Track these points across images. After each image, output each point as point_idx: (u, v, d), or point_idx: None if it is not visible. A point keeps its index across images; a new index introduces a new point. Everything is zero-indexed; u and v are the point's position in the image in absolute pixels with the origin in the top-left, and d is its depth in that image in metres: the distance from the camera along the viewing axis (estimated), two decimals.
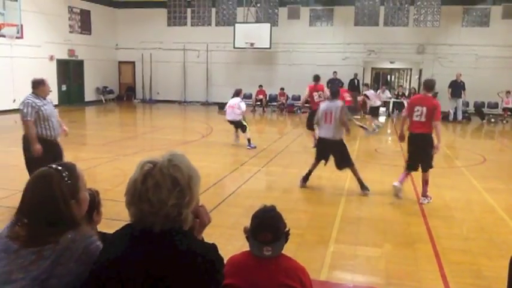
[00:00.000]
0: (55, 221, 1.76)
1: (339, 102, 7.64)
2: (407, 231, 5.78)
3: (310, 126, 10.66)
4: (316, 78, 11.23)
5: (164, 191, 1.49)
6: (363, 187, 7.47)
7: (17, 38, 15.89)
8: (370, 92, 16.20)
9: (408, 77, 23.78)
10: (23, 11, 15.81)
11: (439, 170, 9.59)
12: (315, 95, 10.84)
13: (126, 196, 1.54)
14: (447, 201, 7.21)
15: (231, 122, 11.74)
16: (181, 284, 1.44)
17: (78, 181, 1.92)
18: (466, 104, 19.60)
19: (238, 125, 11.63)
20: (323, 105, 7.72)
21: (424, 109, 6.79)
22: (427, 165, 6.95)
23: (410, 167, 7.19)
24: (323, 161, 7.82)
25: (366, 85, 17.96)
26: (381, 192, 7.65)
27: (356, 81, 21.04)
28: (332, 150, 7.58)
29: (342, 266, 4.80)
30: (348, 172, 8.82)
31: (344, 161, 7.56)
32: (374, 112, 15.47)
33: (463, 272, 4.62)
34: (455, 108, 18.84)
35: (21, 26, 15.59)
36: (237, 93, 11.95)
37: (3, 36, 15.23)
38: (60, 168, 1.89)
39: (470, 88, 18.91)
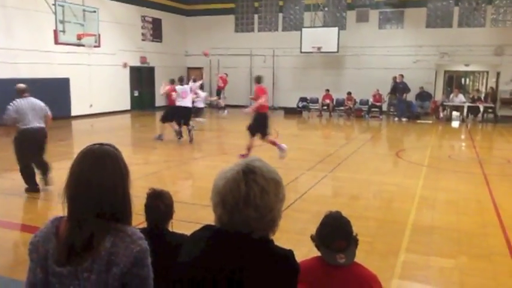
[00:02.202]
0: (112, 208, 1.59)
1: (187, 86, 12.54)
2: (484, 243, 5.45)
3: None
4: (181, 79, 12.78)
5: (271, 196, 1.49)
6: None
7: (94, 46, 16.80)
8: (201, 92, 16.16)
9: (484, 80, 22.57)
10: (101, 21, 16.69)
11: None
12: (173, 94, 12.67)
13: (223, 205, 1.49)
14: None
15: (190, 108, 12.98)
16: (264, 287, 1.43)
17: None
18: None
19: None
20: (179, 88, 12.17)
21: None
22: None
23: (254, 133, 9.78)
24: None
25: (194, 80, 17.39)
26: (455, 200, 7.30)
27: (393, 83, 20.15)
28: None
29: (413, 277, 4.60)
30: (419, 179, 8.52)
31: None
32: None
33: None
34: None
35: (99, 35, 16.46)
36: (181, 80, 12.92)
37: (83, 45, 16.14)
38: (112, 146, 1.69)
39: None
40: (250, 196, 1.45)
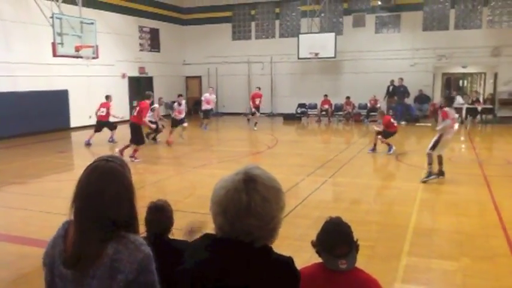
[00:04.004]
0: (117, 222, 1.62)
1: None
2: (486, 244, 5.45)
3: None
4: (107, 97, 14.87)
5: (273, 204, 1.48)
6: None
7: (93, 58, 16.82)
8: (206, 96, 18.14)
9: (482, 82, 22.63)
10: (98, 32, 16.74)
11: None
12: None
13: (224, 215, 1.48)
14: None
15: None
16: None
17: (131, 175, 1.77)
18: None
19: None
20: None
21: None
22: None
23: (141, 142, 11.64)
24: None
25: (212, 88, 19.71)
26: (456, 202, 7.30)
27: (391, 87, 20.27)
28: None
29: (415, 280, 4.60)
30: (420, 182, 8.52)
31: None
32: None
33: None
34: None
35: (97, 46, 16.50)
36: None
37: (81, 57, 16.17)
38: (117, 161, 1.74)
39: None
40: (251, 205, 1.44)
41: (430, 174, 8.55)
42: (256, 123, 18.04)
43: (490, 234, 5.78)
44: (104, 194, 1.63)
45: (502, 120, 19.20)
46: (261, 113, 19.19)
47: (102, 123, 14.46)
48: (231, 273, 1.44)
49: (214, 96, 18.73)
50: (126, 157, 11.19)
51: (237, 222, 1.46)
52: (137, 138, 11.47)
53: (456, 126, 8.64)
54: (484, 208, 6.93)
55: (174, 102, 14.90)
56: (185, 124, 14.86)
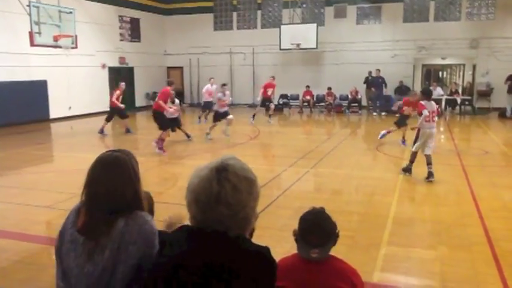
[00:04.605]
0: (122, 207, 1.78)
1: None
2: (463, 233, 5.56)
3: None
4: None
5: (244, 193, 1.49)
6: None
7: (72, 48, 16.57)
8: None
9: (461, 73, 22.96)
10: (77, 22, 16.48)
11: (497, 168, 9.23)
12: None
13: (196, 203, 1.50)
14: (506, 202, 6.89)
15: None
16: (244, 286, 1.44)
17: (138, 166, 1.96)
18: None
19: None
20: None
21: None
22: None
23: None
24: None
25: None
26: (435, 192, 7.42)
27: (370, 78, 20.46)
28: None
29: (394, 269, 4.68)
30: (400, 173, 8.62)
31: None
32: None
33: None
34: None
35: (76, 36, 16.25)
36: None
37: (60, 47, 15.91)
38: (123, 152, 1.92)
39: None
40: (221, 194, 1.46)
41: (407, 169, 8.51)
42: (270, 115, 17.21)
43: (467, 224, 5.89)
44: (107, 184, 1.78)
45: (480, 111, 19.52)
46: (242, 104, 18.76)
47: (113, 111, 14.33)
48: (207, 264, 1.45)
49: (216, 87, 17.17)
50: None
51: (208, 211, 1.48)
52: (160, 124, 11.27)
53: (435, 118, 8.57)
54: (462, 198, 7.06)
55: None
56: (230, 117, 13.02)
